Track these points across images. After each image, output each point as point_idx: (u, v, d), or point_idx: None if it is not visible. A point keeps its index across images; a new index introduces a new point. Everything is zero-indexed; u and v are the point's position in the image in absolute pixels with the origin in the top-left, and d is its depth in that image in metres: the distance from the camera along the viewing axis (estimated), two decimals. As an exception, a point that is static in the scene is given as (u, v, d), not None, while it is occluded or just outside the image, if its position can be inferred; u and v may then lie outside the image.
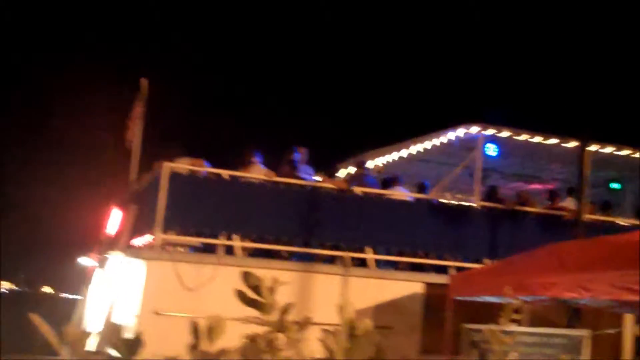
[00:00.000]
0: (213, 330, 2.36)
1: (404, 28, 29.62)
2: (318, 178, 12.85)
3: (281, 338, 2.60)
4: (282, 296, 2.65)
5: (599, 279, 8.06)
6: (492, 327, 3.12)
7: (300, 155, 12.76)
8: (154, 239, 10.90)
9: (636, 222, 13.83)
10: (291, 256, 11.79)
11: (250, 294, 2.56)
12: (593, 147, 12.83)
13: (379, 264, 12.03)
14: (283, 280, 2.66)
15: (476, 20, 29.67)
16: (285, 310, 2.56)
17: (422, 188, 13.42)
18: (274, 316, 2.58)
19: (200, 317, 2.59)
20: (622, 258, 8.26)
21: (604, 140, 13.31)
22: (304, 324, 2.55)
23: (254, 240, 11.48)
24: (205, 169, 11.76)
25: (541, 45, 27.95)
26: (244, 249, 11.38)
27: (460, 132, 13.17)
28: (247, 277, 2.49)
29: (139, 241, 11.98)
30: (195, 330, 2.39)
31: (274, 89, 29.21)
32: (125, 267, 11.84)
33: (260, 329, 2.65)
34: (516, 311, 3.14)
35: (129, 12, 27.55)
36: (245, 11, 28.90)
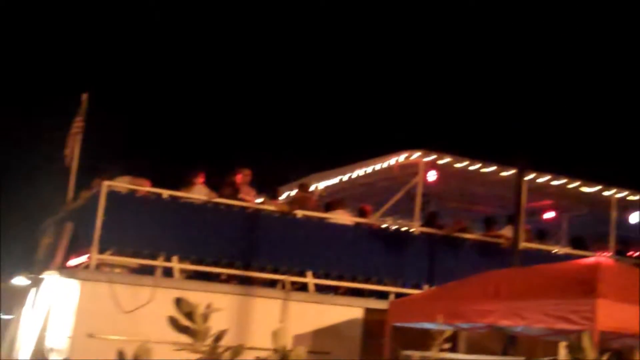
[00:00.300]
0: (139, 357, 2.31)
1: (346, 52, 29.89)
2: (260, 200, 12.79)
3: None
4: (221, 320, 2.61)
5: (534, 308, 8.20)
6: (429, 354, 3.13)
7: (243, 177, 12.69)
8: (89, 259, 10.67)
9: (571, 251, 14.15)
10: (231, 279, 11.68)
11: (183, 321, 2.52)
12: (530, 176, 13.10)
13: (319, 288, 12.01)
14: (217, 307, 2.62)
15: (417, 47, 30.15)
16: (218, 337, 2.53)
17: (363, 213, 13.48)
18: (207, 343, 2.54)
19: (134, 341, 2.54)
20: (556, 287, 8.44)
21: (540, 169, 13.60)
22: (237, 350, 2.52)
23: (193, 262, 11.34)
24: (146, 188, 11.60)
25: (481, 76, 28.56)
26: (183, 271, 11.24)
27: (402, 157, 13.30)
28: (179, 303, 2.45)
29: (75, 261, 11.71)
30: (120, 356, 2.33)
31: (218, 110, 29.07)
32: (59, 287, 11.55)
33: (192, 356, 2.61)
34: (450, 339, 3.16)
35: (69, 22, 27.14)
36: (188, 28, 28.74)
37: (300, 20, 30.04)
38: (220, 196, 11.93)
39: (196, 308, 2.48)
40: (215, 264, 11.43)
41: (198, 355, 2.50)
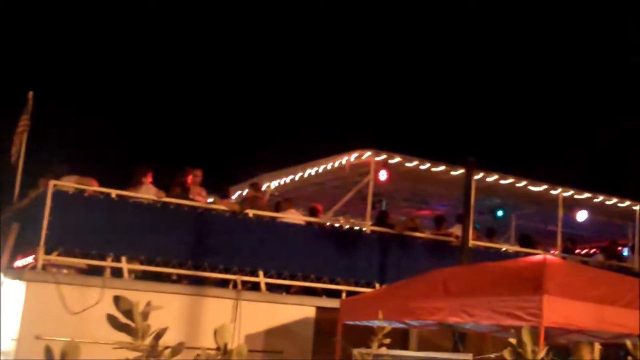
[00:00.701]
0: (66, 354, 2.27)
1: (297, 50, 29.91)
2: (211, 200, 12.71)
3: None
4: (172, 320, 2.59)
5: (482, 305, 8.30)
6: (379, 351, 3.14)
7: (193, 177, 12.59)
8: (35, 260, 10.48)
9: (519, 248, 14.37)
10: (182, 279, 11.57)
11: (123, 319, 2.49)
12: (479, 175, 13.27)
13: (271, 287, 11.98)
14: (168, 307, 2.59)
15: (367, 47, 30.32)
16: (158, 335, 2.49)
17: (314, 212, 13.50)
18: (147, 341, 2.51)
19: (82, 342, 2.49)
20: (504, 284, 8.55)
21: (489, 169, 13.79)
22: (177, 349, 2.49)
23: (142, 263, 11.21)
24: (93, 187, 11.42)
25: (432, 77, 28.86)
26: (132, 271, 11.10)
27: (353, 157, 13.36)
28: (118, 301, 2.41)
29: (21, 262, 11.48)
30: (47, 354, 2.29)
31: (168, 109, 28.78)
32: (5, 289, 11.31)
33: (132, 354, 2.57)
34: (401, 336, 3.18)
35: (17, 19, 26.61)
36: (135, 24, 28.37)
37: (251, 16, 29.97)
38: (170, 196, 11.81)
39: (135, 306, 2.45)
40: (166, 264, 11.32)
41: (137, 354, 2.47)
